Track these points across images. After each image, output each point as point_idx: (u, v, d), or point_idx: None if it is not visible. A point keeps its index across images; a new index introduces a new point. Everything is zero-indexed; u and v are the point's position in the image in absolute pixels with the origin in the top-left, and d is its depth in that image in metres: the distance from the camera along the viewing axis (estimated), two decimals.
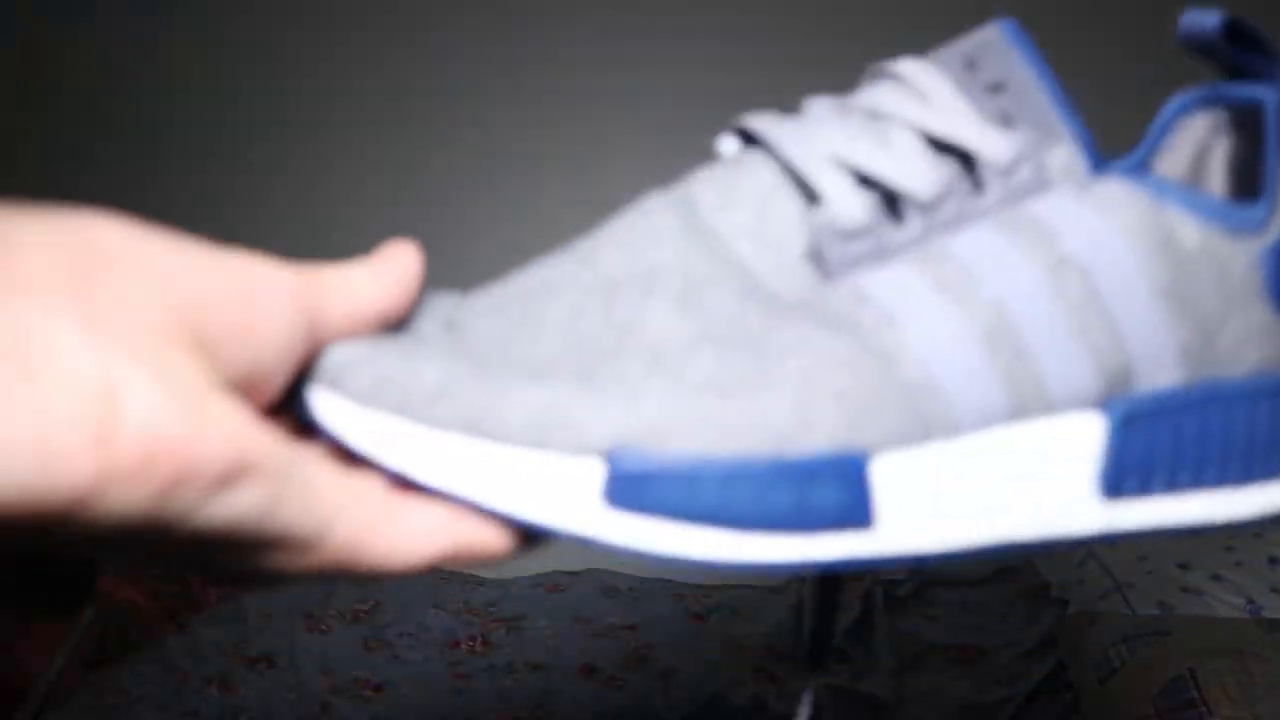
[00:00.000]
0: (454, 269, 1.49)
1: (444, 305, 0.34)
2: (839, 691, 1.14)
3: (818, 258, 0.32)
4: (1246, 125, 0.37)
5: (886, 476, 0.30)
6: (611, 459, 0.28)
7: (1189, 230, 0.32)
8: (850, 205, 0.31)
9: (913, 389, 0.30)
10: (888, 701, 1.13)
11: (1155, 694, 0.97)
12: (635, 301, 0.31)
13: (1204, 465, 0.33)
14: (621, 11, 1.69)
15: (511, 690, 1.13)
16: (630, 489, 0.28)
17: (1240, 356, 0.34)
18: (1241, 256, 0.33)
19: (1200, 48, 0.36)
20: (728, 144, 0.36)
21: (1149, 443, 0.32)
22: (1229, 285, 0.33)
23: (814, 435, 0.29)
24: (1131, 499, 0.33)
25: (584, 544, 0.29)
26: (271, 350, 0.27)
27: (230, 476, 0.24)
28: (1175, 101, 0.39)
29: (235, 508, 0.25)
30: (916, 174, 0.32)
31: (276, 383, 0.29)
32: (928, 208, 0.32)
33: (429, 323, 0.33)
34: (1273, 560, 1.28)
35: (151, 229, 0.27)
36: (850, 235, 0.32)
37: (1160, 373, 0.33)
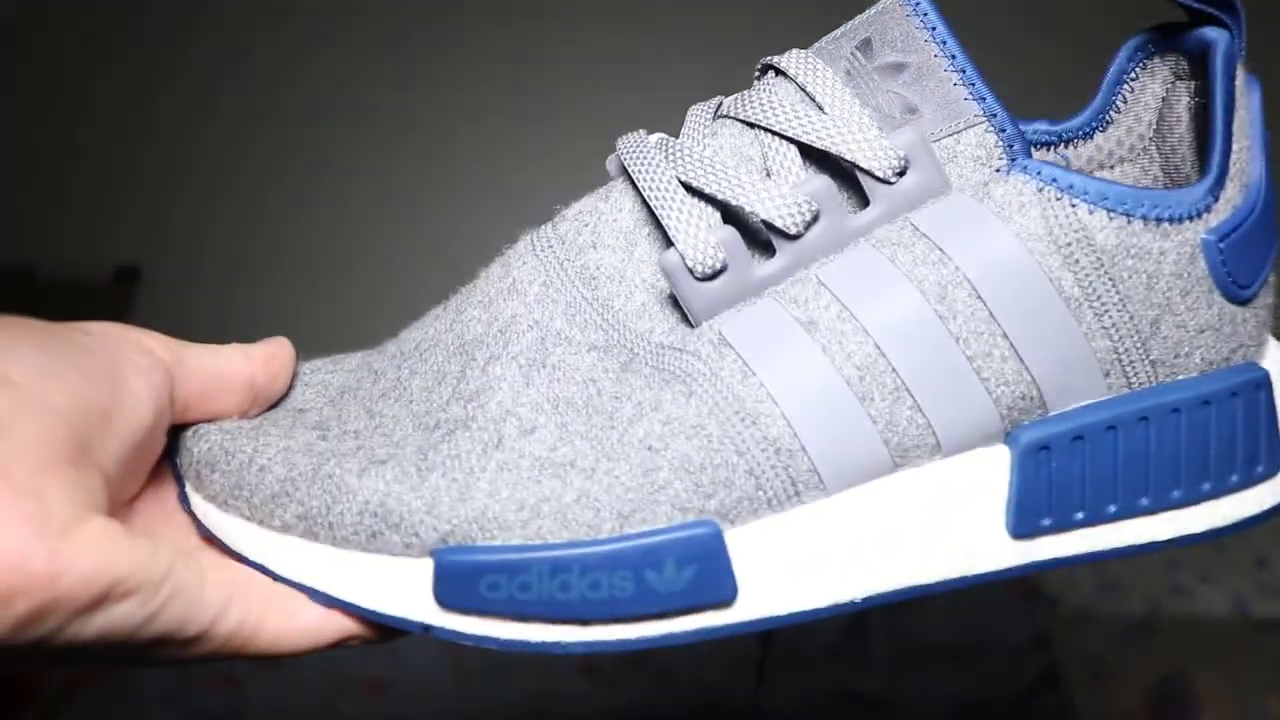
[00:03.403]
0: (452, 267, 1.45)
1: (344, 367, 0.34)
2: (834, 690, 1.14)
3: (677, 301, 0.30)
4: (1204, 76, 0.32)
5: (748, 546, 0.28)
6: (438, 558, 0.27)
7: (1104, 227, 0.28)
8: (701, 245, 0.29)
9: (775, 448, 0.28)
10: (882, 700, 1.12)
11: (1145, 693, 0.99)
12: (484, 366, 0.30)
13: (1138, 489, 0.29)
14: (621, 9, 1.59)
15: (512, 689, 1.14)
16: (459, 588, 0.27)
17: (1183, 360, 0.30)
18: (1174, 249, 0.29)
19: None
20: (613, 164, 0.33)
21: (1065, 473, 0.29)
22: (1160, 283, 0.29)
23: (657, 511, 0.28)
24: (1049, 536, 0.29)
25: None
26: (141, 425, 0.28)
27: (100, 599, 0.25)
28: (1127, 47, 0.34)
29: (108, 622, 0.25)
30: (782, 203, 0.29)
31: (159, 440, 0.29)
32: (798, 236, 0.29)
33: (316, 394, 0.32)
34: (1262, 561, 1.26)
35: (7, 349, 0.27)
36: (706, 276, 0.29)
37: (1081, 391, 0.29)
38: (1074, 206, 0.28)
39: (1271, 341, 0.32)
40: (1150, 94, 0.33)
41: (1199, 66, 0.32)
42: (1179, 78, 0.33)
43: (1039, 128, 0.34)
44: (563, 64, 1.60)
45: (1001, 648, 1.18)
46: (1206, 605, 1.21)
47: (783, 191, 0.29)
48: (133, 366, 0.28)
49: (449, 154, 1.64)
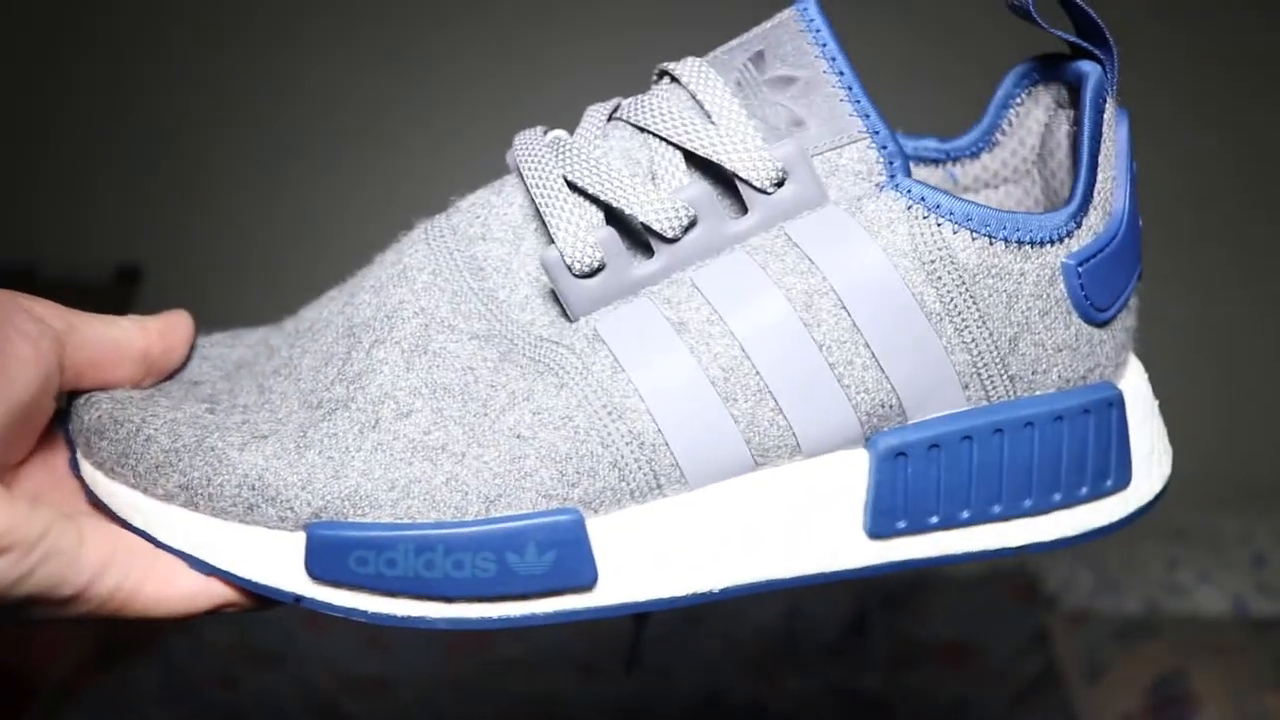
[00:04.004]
0: None
1: (243, 341, 0.35)
2: (833, 689, 1.15)
3: (558, 297, 0.31)
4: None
5: (610, 534, 0.29)
6: (310, 533, 0.29)
7: (967, 246, 0.30)
8: (580, 244, 0.30)
9: (639, 442, 0.29)
10: (882, 699, 1.13)
11: (1144, 692, 0.98)
12: (369, 349, 0.31)
13: (990, 497, 0.31)
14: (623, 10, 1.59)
15: (511, 689, 1.15)
16: (329, 562, 0.28)
17: (1041, 376, 0.31)
18: (1034, 271, 0.30)
19: (1025, 17, 0.32)
20: (511, 158, 0.34)
21: (921, 479, 0.30)
22: (1020, 302, 0.30)
23: (522, 497, 0.29)
24: (905, 538, 0.31)
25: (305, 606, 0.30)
26: (26, 390, 0.29)
27: None
28: (1014, 73, 0.35)
29: None
30: (661, 207, 0.30)
31: (47, 406, 0.30)
32: (675, 239, 0.30)
33: (213, 367, 0.33)
34: (1259, 560, 1.27)
35: None
36: (584, 274, 0.30)
37: (940, 401, 0.31)
38: (939, 225, 0.30)
39: (1132, 363, 0.33)
40: (1034, 119, 0.35)
41: (1076, 96, 0.33)
42: (1060, 105, 0.34)
43: (928, 145, 0.36)
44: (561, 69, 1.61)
45: (1000, 647, 1.20)
46: (1205, 604, 1.23)
47: (662, 196, 0.30)
48: (19, 333, 0.28)
49: (454, 154, 1.64)
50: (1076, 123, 0.34)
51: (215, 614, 0.30)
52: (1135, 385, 0.33)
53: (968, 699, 1.14)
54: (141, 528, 0.30)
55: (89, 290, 1.63)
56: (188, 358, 0.33)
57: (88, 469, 0.31)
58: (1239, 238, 1.56)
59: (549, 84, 1.56)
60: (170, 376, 0.33)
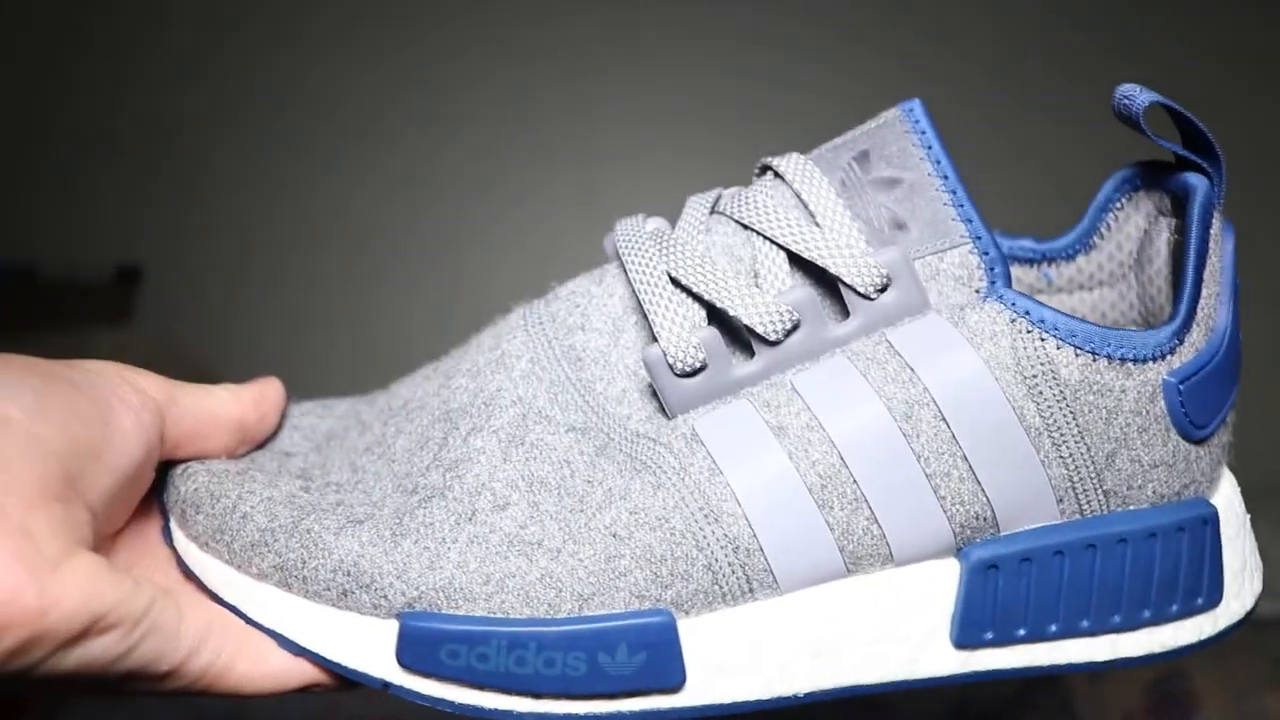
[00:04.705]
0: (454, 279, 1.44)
1: (333, 412, 0.35)
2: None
3: (656, 393, 0.31)
4: (1184, 215, 0.33)
5: (699, 636, 0.29)
6: (403, 622, 0.29)
7: (1070, 362, 0.29)
8: (683, 344, 0.30)
9: (734, 546, 0.29)
10: (881, 700, 1.14)
11: (1144, 691, 0.97)
12: (466, 437, 0.31)
13: (1080, 612, 0.31)
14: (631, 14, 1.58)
15: None
16: (420, 653, 0.29)
17: (1135, 492, 0.31)
18: (1135, 388, 0.30)
19: (1133, 125, 0.32)
20: (609, 245, 0.34)
21: (1011, 592, 0.30)
22: (1119, 418, 0.30)
23: (616, 596, 0.29)
24: (990, 649, 0.31)
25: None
26: (130, 463, 0.29)
27: (82, 633, 0.26)
28: (1115, 178, 0.35)
29: (87, 655, 0.27)
30: (765, 311, 0.30)
31: (148, 477, 0.31)
32: (778, 342, 0.30)
33: (304, 438, 0.34)
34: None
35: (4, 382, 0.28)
36: (685, 373, 0.30)
37: (1034, 514, 0.30)
38: (1043, 340, 0.29)
39: (1225, 477, 0.33)
40: (1133, 225, 0.35)
41: (1180, 206, 0.33)
42: (1161, 213, 0.34)
43: (1024, 244, 0.36)
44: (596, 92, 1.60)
45: None
46: None
47: (766, 300, 0.30)
48: (125, 406, 0.29)
49: (454, 154, 1.64)
50: (1178, 231, 0.33)
51: (303, 693, 0.31)
52: (1229, 499, 0.33)
53: (968, 699, 1.14)
54: (233, 603, 0.30)
55: (89, 290, 1.61)
56: (278, 426, 0.34)
57: (181, 540, 0.31)
58: (1237, 235, 1.54)
59: (549, 84, 1.56)
60: (262, 445, 0.33)
